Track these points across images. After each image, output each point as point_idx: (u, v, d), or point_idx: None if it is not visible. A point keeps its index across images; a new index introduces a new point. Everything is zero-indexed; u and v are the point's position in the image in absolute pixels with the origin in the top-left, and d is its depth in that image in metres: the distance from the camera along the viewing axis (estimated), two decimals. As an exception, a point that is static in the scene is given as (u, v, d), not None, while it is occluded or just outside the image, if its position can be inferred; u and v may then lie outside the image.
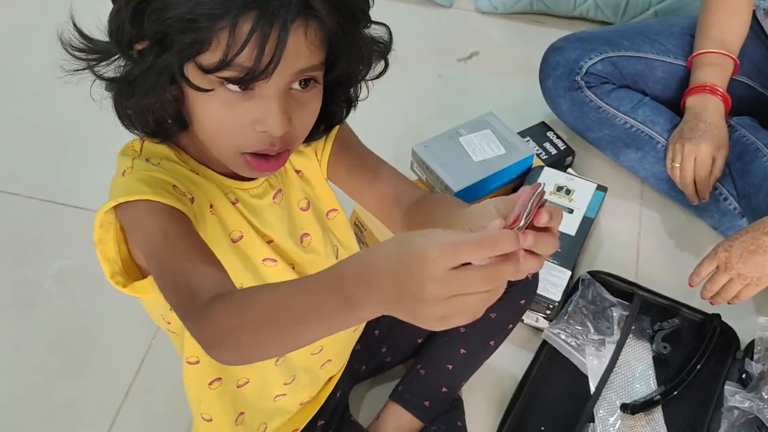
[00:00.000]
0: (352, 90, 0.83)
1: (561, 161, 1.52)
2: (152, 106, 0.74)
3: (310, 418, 1.05)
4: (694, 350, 1.27)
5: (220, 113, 0.71)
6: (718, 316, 1.30)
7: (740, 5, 1.42)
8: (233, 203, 0.83)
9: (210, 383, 0.93)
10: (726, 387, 1.20)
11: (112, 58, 0.74)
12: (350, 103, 0.85)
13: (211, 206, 0.81)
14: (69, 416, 1.21)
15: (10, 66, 1.76)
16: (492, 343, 1.14)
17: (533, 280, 1.13)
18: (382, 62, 0.81)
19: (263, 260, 0.86)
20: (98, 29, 0.74)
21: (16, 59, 1.78)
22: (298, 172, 0.91)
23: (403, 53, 1.87)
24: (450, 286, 0.54)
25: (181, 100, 0.74)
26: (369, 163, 0.94)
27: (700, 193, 1.41)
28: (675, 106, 1.49)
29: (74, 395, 1.23)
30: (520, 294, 1.12)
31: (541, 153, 1.51)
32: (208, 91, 0.70)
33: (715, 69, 1.40)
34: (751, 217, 1.38)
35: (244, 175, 0.79)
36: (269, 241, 0.87)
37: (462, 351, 1.12)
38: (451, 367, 1.13)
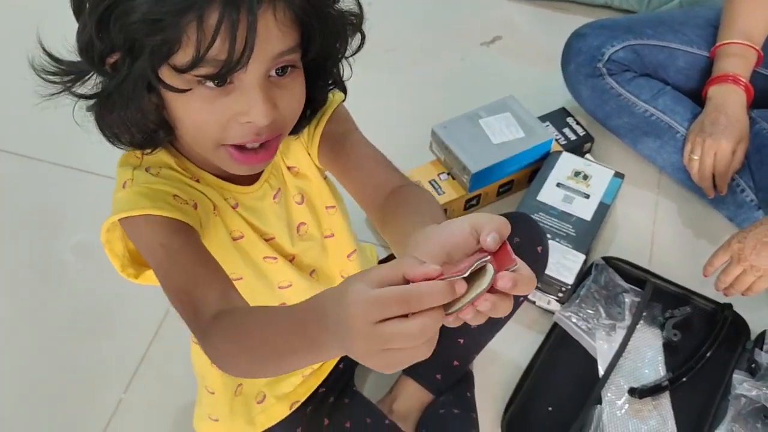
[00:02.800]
0: (335, 71, 0.82)
1: (579, 147, 1.53)
2: (134, 117, 0.73)
3: (311, 391, 1.06)
4: (705, 339, 1.28)
5: (201, 112, 0.70)
6: (729, 306, 1.31)
7: None
8: (233, 207, 0.84)
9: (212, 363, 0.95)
10: (734, 375, 1.21)
11: (86, 77, 0.73)
12: (336, 84, 0.84)
13: (215, 208, 0.82)
14: (89, 376, 1.24)
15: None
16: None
17: (543, 254, 1.13)
18: (359, 37, 0.79)
19: (264, 258, 0.88)
20: (67, 50, 0.73)
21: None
22: (290, 168, 0.91)
23: (427, 35, 1.89)
24: (375, 343, 0.53)
25: (161, 106, 0.73)
26: (353, 152, 0.89)
27: (718, 187, 1.42)
28: (696, 96, 1.49)
29: (94, 357, 1.26)
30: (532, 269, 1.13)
31: (560, 138, 1.52)
32: (185, 91, 0.68)
33: (739, 60, 1.40)
34: (767, 209, 1.39)
35: (230, 170, 0.78)
36: (270, 239, 0.88)
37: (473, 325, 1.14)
38: (462, 341, 1.14)
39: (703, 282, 1.36)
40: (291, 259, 0.92)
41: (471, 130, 1.42)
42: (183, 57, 0.65)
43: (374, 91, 1.62)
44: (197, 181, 0.81)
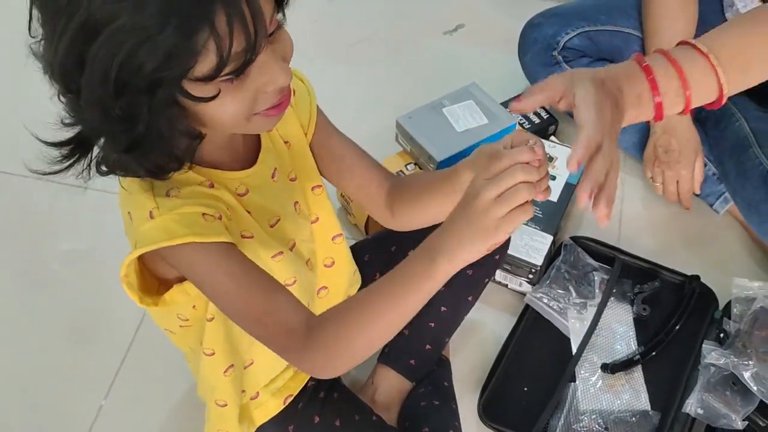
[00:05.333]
0: None
1: (544, 130, 1.54)
2: (180, 142, 0.73)
3: (303, 384, 1.07)
4: (674, 311, 1.30)
5: (233, 104, 0.70)
6: (697, 277, 1.33)
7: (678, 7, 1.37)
8: (243, 194, 0.85)
9: (225, 371, 0.96)
10: (703, 345, 1.22)
11: (99, 137, 0.71)
12: None
13: (230, 212, 0.82)
14: (68, 384, 1.25)
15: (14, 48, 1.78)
16: (470, 298, 1.17)
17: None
18: None
19: (272, 257, 0.89)
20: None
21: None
22: (286, 143, 0.93)
23: (390, 27, 1.90)
24: (496, 186, 0.68)
25: (186, 117, 0.72)
26: (351, 149, 0.98)
27: (683, 203, 1.45)
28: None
29: (72, 365, 1.27)
30: (494, 250, 1.15)
31: (524, 122, 1.54)
32: (216, 97, 0.68)
33: None
34: (726, 182, 1.41)
35: (262, 131, 0.82)
36: (275, 223, 0.90)
37: (443, 309, 1.15)
38: (433, 324, 1.16)
39: (671, 255, 1.39)
40: (291, 247, 0.93)
41: (435, 120, 1.43)
42: (204, 67, 0.65)
43: (339, 85, 1.63)
44: (211, 186, 0.81)
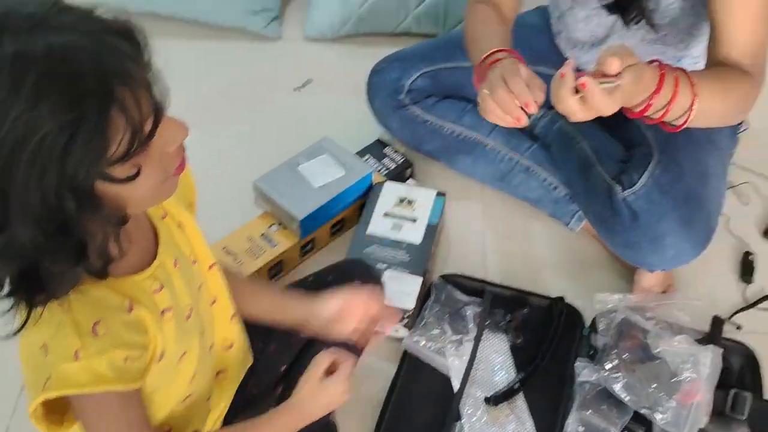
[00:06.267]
0: None
1: (401, 174, 1.57)
2: (106, 234, 0.71)
3: None
4: (545, 335, 1.34)
5: (152, 174, 0.70)
6: (561, 299, 1.38)
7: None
8: (159, 290, 0.82)
9: None
10: (576, 363, 1.26)
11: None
12: None
13: (148, 339, 0.80)
14: None
15: None
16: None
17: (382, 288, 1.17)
18: None
19: (179, 359, 0.87)
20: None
21: None
22: (180, 225, 0.91)
23: (239, 90, 1.88)
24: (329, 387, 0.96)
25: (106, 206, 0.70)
26: None
27: (511, 114, 1.06)
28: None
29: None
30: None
31: (381, 169, 1.56)
32: (138, 174, 0.68)
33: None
34: (577, 201, 1.48)
35: (169, 195, 0.79)
36: (189, 313, 0.87)
37: None
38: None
39: (536, 279, 1.44)
40: (200, 336, 0.91)
41: (292, 178, 1.43)
42: (121, 146, 0.64)
43: (191, 153, 1.60)
44: (131, 308, 0.78)
